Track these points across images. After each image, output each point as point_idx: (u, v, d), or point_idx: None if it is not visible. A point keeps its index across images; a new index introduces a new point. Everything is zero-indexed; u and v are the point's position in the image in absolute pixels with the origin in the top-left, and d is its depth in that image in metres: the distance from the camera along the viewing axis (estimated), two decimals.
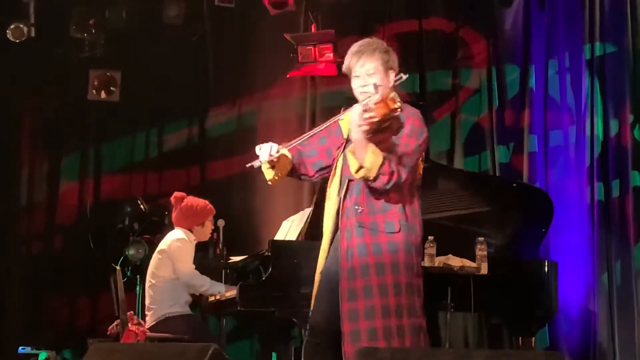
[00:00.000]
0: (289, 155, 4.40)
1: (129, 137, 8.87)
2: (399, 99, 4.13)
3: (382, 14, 8.67)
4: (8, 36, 8.19)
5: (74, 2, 8.49)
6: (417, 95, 8.40)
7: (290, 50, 8.46)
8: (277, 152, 4.27)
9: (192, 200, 6.66)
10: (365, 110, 4.01)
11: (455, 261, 5.93)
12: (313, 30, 8.50)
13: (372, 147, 4.07)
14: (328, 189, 4.43)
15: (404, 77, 4.25)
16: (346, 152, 4.20)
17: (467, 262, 5.94)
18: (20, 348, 7.41)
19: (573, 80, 8.06)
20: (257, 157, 4.28)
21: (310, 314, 4.34)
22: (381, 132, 4.14)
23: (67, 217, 8.71)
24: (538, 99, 8.20)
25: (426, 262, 5.80)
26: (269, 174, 4.37)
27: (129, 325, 6.12)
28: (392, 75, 4.34)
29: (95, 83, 8.53)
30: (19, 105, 8.68)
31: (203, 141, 8.92)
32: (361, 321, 4.14)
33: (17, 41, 8.22)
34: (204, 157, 8.91)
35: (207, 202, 6.73)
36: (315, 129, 4.46)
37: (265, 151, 4.25)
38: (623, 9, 7.88)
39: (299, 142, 4.38)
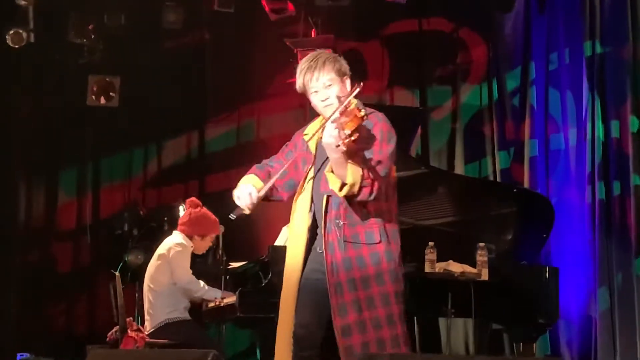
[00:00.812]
0: (264, 192, 4.33)
1: (126, 152, 8.84)
2: (362, 106, 4.07)
3: (381, 18, 8.66)
4: (7, 42, 8.18)
5: (72, 7, 8.48)
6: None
7: (290, 55, 8.46)
8: (258, 194, 4.24)
9: (206, 211, 6.65)
10: (340, 130, 3.95)
11: (455, 267, 5.91)
12: (313, 35, 8.49)
13: (350, 163, 4.02)
14: (294, 205, 4.36)
15: (359, 87, 4.17)
16: (325, 172, 4.15)
17: (468, 268, 5.92)
18: (18, 355, 7.39)
19: (573, 83, 8.05)
20: (234, 205, 4.26)
21: (293, 327, 4.29)
22: (353, 142, 4.08)
23: (65, 224, 8.68)
24: (539, 103, 8.19)
25: (427, 268, 5.79)
26: (246, 211, 4.34)
27: (128, 331, 6.10)
28: (347, 82, 4.29)
29: (95, 88, 8.51)
30: (17, 111, 8.65)
31: (202, 151, 8.88)
32: (354, 336, 4.11)
33: (17, 47, 8.21)
34: (203, 169, 8.88)
35: (216, 218, 6.70)
36: (285, 163, 4.37)
37: (246, 199, 4.23)
38: (624, 12, 7.87)
39: (269, 183, 4.30)
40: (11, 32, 8.16)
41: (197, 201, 6.68)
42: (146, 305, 6.46)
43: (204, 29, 8.86)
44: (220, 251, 7.00)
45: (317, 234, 4.32)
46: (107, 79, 8.55)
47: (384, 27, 8.71)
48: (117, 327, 6.25)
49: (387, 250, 4.19)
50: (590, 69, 7.94)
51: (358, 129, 4.01)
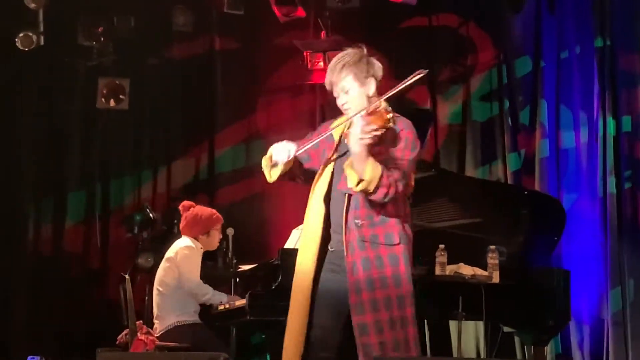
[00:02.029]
0: (292, 159, 4.38)
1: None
2: (390, 110, 4.13)
3: (391, 19, 8.64)
4: (17, 45, 8.18)
5: (82, 10, 8.47)
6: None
7: (300, 57, 8.45)
8: (295, 152, 4.29)
9: (198, 209, 6.63)
10: (367, 123, 3.98)
11: (466, 270, 5.89)
12: (322, 37, 8.48)
13: (371, 159, 4.05)
14: (312, 189, 4.38)
15: (421, 73, 4.20)
16: (344, 166, 4.16)
17: (479, 271, 5.90)
18: (29, 358, 7.38)
19: (584, 82, 8.03)
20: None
21: (312, 328, 4.28)
22: (377, 144, 4.11)
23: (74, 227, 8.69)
24: (550, 102, 8.15)
25: (437, 271, 5.77)
26: (275, 173, 4.35)
27: (138, 334, 6.08)
28: (373, 84, 4.31)
29: (104, 91, 8.51)
30: (27, 113, 8.65)
31: (211, 156, 8.87)
32: (371, 335, 4.13)
33: (26, 49, 8.21)
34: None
35: (214, 211, 6.69)
36: (319, 136, 4.41)
37: (284, 153, 4.25)
38: (634, 10, 7.84)
39: (311, 144, 4.35)
40: (21, 35, 8.17)
41: (189, 203, 6.66)
42: (155, 309, 6.45)
43: (213, 31, 8.85)
44: (230, 254, 6.99)
45: (330, 234, 4.33)
46: (117, 82, 8.54)
47: (393, 28, 8.67)
48: (127, 330, 6.23)
49: (405, 253, 4.22)
50: (600, 65, 7.91)
51: (384, 129, 4.06)
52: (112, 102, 8.53)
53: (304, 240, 4.39)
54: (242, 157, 8.83)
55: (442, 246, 5.78)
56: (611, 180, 7.75)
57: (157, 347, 6.03)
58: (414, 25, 8.69)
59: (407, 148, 4.20)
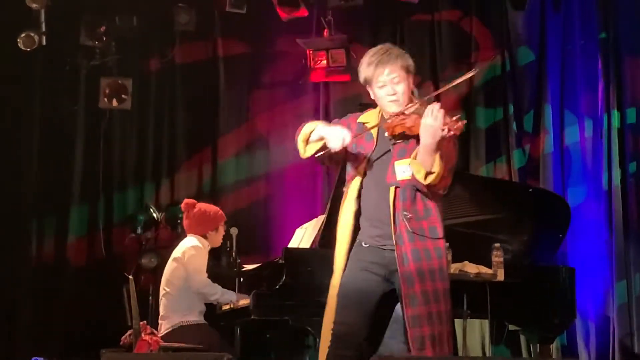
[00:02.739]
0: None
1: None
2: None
3: (394, 17, 8.62)
4: (19, 45, 8.17)
5: (84, 9, 8.46)
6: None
7: (302, 56, 8.43)
8: (350, 137, 4.24)
9: (204, 206, 6.62)
10: (446, 114, 3.99)
11: (471, 268, 5.86)
12: (325, 36, 8.45)
13: (439, 152, 4.07)
14: (346, 190, 4.38)
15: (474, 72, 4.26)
16: (395, 163, 4.20)
17: (483, 269, 5.87)
18: (33, 359, 7.38)
19: (588, 75, 8.01)
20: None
21: (333, 325, 4.27)
22: (456, 130, 4.14)
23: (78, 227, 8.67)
24: (554, 98, 8.13)
25: None
26: (312, 148, 4.32)
27: (142, 335, 6.06)
28: (412, 79, 4.33)
29: (107, 91, 8.49)
30: (29, 114, 8.64)
31: (214, 165, 8.84)
32: (424, 327, 4.16)
33: (28, 50, 8.20)
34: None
35: (217, 207, 6.68)
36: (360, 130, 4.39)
37: (339, 141, 4.18)
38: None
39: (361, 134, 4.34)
40: (23, 35, 8.16)
41: (192, 201, 6.65)
42: (161, 309, 6.44)
43: (216, 30, 8.83)
44: (234, 254, 6.97)
45: (359, 228, 4.34)
46: (120, 81, 8.52)
47: (396, 26, 8.65)
48: (131, 330, 6.22)
49: (445, 246, 4.30)
50: (605, 58, 7.89)
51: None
52: (114, 102, 8.51)
53: (338, 239, 4.38)
54: (245, 166, 8.78)
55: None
56: (616, 173, 7.73)
57: (161, 348, 6.02)
58: (418, 22, 8.65)
59: (453, 144, 4.23)
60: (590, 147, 7.96)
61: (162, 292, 6.46)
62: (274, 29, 8.64)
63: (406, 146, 4.22)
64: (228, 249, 7.03)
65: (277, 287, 5.64)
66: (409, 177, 4.18)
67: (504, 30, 8.39)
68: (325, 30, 8.48)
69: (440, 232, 4.25)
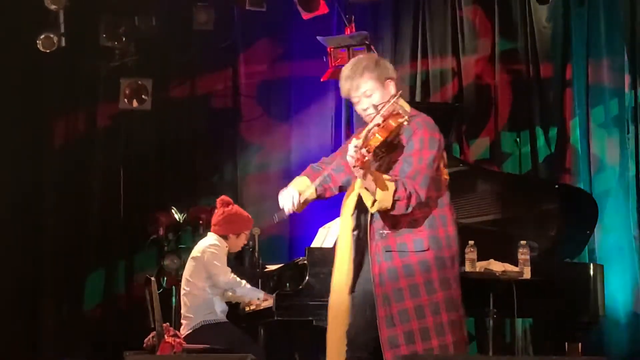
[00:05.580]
0: (313, 194, 4.33)
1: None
2: (405, 111, 4.09)
3: (416, 15, 8.55)
4: (38, 46, 8.17)
5: (103, 10, 8.45)
6: (455, 97, 8.30)
7: (323, 54, 8.38)
8: (300, 198, 4.24)
9: (238, 208, 6.61)
10: (357, 150, 3.87)
11: (496, 266, 5.80)
12: (347, 33, 8.39)
13: (379, 179, 3.96)
14: (344, 202, 4.31)
15: (397, 95, 4.12)
16: (358, 188, 4.11)
17: (509, 267, 5.81)
18: None
19: (615, 75, 7.93)
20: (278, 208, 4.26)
21: (347, 330, 4.22)
22: (393, 149, 4.07)
23: (99, 227, 8.65)
24: (579, 94, 8.05)
25: (467, 268, 5.69)
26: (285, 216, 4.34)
27: (165, 336, 6.04)
28: (391, 85, 4.24)
29: (127, 92, 8.47)
30: (50, 115, 8.64)
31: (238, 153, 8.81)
32: (402, 347, 4.06)
33: (48, 51, 8.19)
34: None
35: (249, 215, 6.64)
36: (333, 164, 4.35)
37: (289, 201, 4.23)
38: None
39: (321, 179, 4.30)
40: (42, 36, 8.16)
41: (228, 199, 6.62)
42: (183, 309, 6.41)
43: (235, 29, 8.80)
44: (256, 254, 6.93)
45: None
46: (139, 82, 8.50)
47: (417, 23, 8.58)
48: (154, 332, 6.19)
49: (438, 257, 4.13)
50: (632, 49, 7.86)
51: (395, 134, 4.00)
52: (134, 103, 8.49)
53: (337, 259, 4.31)
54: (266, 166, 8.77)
55: (471, 242, 5.70)
56: None
57: (184, 350, 5.99)
58: (439, 17, 8.57)
59: (423, 149, 4.10)
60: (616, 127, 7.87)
61: (182, 291, 6.44)
62: (295, 26, 8.60)
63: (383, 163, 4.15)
64: (250, 249, 6.99)
65: (300, 287, 5.61)
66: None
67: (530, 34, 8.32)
68: (347, 28, 8.42)
69: (426, 244, 4.09)
